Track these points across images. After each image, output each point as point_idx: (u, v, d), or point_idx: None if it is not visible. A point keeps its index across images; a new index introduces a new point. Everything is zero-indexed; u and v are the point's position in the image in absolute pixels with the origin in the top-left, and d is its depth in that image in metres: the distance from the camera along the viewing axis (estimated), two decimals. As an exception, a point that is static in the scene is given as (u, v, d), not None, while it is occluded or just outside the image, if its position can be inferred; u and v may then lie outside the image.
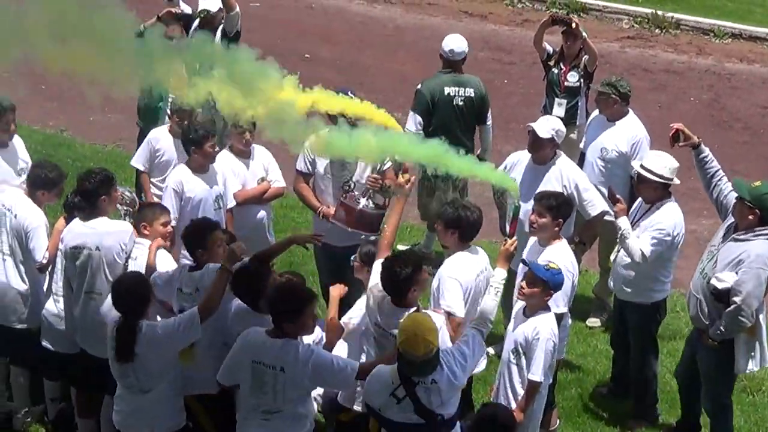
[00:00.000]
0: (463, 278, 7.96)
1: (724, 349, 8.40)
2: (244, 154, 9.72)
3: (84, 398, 8.48)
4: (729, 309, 8.21)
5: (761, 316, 8.35)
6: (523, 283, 7.83)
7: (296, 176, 9.61)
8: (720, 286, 8.20)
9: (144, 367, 7.39)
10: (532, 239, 8.62)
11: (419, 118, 10.86)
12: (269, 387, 7.06)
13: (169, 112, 10.29)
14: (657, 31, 18.90)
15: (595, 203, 9.30)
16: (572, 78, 11.59)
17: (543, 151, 9.35)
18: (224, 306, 7.63)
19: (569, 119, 11.44)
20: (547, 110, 11.61)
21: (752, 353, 8.41)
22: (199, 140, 9.25)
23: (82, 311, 8.17)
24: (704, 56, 18.03)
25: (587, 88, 11.56)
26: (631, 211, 9.09)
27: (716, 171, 8.72)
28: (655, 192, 8.88)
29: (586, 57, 11.59)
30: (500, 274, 7.39)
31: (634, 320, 9.20)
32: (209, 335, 7.58)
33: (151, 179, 10.03)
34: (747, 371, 8.59)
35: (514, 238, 7.58)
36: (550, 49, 11.82)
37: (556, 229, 8.41)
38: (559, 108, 11.55)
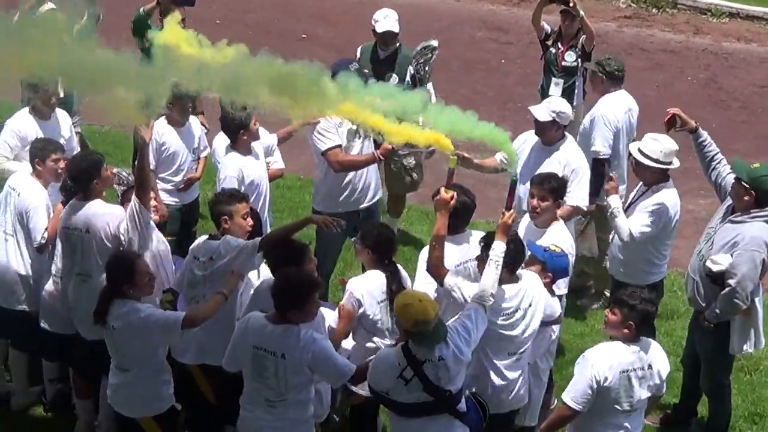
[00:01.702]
0: None
1: (720, 330, 8.42)
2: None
3: (82, 379, 8.48)
4: (724, 291, 8.21)
5: (757, 299, 8.34)
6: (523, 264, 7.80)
7: (332, 152, 9.28)
8: (715, 268, 8.20)
9: (120, 345, 7.43)
10: (526, 219, 8.59)
11: None
12: (270, 373, 7.06)
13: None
14: (654, 10, 18.86)
15: (575, 196, 9.03)
16: (570, 57, 11.62)
17: (547, 134, 9.29)
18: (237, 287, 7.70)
19: (566, 99, 11.40)
20: (544, 90, 11.63)
21: (747, 335, 8.42)
22: (247, 122, 9.14)
23: (75, 293, 8.15)
24: (701, 36, 18.01)
25: (584, 67, 11.57)
26: (633, 192, 9.08)
27: (715, 154, 8.68)
28: (653, 175, 8.86)
29: (583, 36, 11.59)
30: (499, 247, 7.34)
31: None
32: (223, 310, 7.61)
33: (160, 174, 9.77)
34: (742, 352, 8.61)
35: (512, 210, 7.49)
36: (548, 28, 11.83)
37: (556, 210, 8.42)
38: (556, 87, 11.59)
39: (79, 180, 8.17)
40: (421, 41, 10.34)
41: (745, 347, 8.47)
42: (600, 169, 10.00)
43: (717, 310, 8.31)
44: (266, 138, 9.76)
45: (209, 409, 7.90)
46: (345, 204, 9.47)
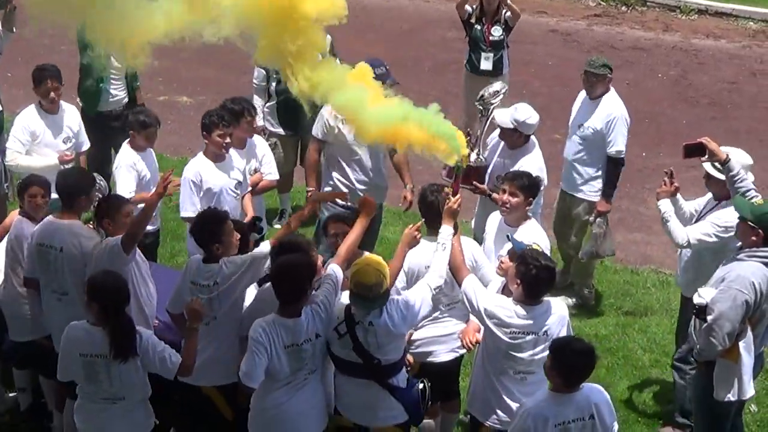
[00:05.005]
0: (409, 260, 7.78)
1: (706, 372, 7.83)
2: (241, 145, 9.60)
3: (60, 387, 8.09)
4: (703, 327, 7.69)
5: (743, 345, 7.68)
6: (505, 258, 7.65)
7: (312, 141, 9.84)
8: (697, 301, 7.70)
9: (121, 372, 7.07)
10: (497, 216, 8.60)
11: None
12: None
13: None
14: (623, 8, 18.96)
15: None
16: (496, 32, 12.46)
17: (508, 139, 9.40)
18: (239, 299, 7.58)
19: (496, 71, 12.36)
20: (474, 64, 12.47)
21: (730, 383, 7.76)
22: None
23: (49, 309, 8.07)
24: (671, 33, 18.11)
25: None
26: (704, 206, 8.70)
27: (747, 191, 8.06)
28: (723, 189, 8.34)
29: (507, 13, 12.44)
30: (446, 230, 7.47)
31: (686, 313, 8.71)
32: (226, 329, 7.50)
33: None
34: (724, 400, 7.78)
35: (458, 195, 7.53)
36: (469, 9, 12.60)
37: (527, 208, 8.39)
38: (487, 62, 12.43)
39: (68, 193, 8.04)
40: (485, 88, 10.14)
41: (728, 396, 7.79)
42: (619, 169, 10.05)
43: (698, 346, 7.81)
44: (257, 147, 9.79)
45: (227, 426, 7.75)
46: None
